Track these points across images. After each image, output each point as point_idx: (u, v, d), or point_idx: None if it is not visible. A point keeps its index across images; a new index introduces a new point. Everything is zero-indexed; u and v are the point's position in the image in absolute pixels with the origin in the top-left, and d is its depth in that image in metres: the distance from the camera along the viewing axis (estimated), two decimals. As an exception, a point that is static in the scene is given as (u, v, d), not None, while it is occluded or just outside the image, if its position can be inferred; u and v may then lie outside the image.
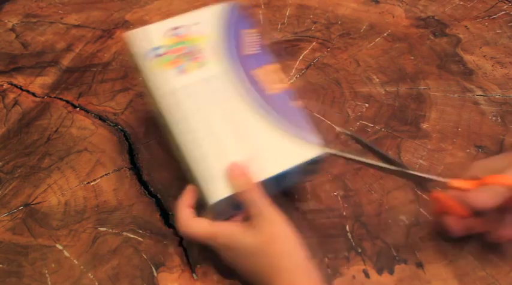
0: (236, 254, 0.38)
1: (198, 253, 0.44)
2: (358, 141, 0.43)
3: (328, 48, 0.69)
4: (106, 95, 0.63)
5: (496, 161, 0.42)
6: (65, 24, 0.77)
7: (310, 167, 0.43)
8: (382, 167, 0.41)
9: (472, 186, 0.40)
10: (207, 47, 0.45)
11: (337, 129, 0.45)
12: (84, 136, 0.57)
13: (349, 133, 0.44)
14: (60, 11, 0.80)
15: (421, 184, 0.42)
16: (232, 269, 0.40)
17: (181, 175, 0.51)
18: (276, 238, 0.37)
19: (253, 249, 0.37)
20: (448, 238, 0.45)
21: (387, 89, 0.61)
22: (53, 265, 0.44)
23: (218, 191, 0.39)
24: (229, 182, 0.39)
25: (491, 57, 0.65)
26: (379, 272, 0.43)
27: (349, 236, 0.45)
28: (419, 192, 0.48)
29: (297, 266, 0.36)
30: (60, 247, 0.46)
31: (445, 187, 0.41)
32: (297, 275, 0.36)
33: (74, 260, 0.45)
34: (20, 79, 0.66)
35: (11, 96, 0.64)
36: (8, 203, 0.50)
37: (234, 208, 0.41)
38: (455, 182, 0.41)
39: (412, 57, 0.66)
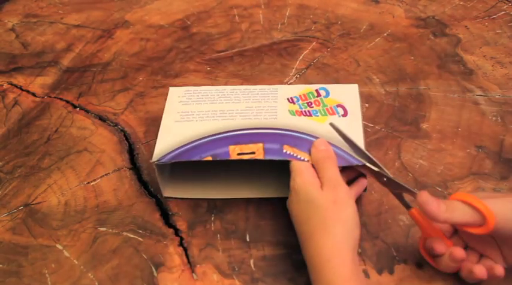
0: (304, 201, 0.41)
1: (198, 253, 0.44)
2: (341, 135, 0.45)
3: (328, 48, 0.69)
4: (106, 95, 0.63)
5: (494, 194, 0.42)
6: (65, 24, 0.77)
7: None
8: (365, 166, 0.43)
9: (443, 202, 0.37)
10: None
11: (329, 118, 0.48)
12: (84, 136, 0.57)
13: (335, 126, 0.46)
14: (60, 11, 0.80)
15: (401, 198, 0.42)
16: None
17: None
18: (340, 203, 0.39)
19: (317, 202, 0.40)
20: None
21: (387, 89, 0.61)
22: (53, 265, 0.44)
23: None
24: (313, 151, 0.44)
25: (491, 57, 0.65)
26: (379, 272, 0.43)
27: (349, 236, 0.45)
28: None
29: (340, 235, 0.38)
30: (60, 247, 0.46)
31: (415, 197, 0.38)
32: (335, 242, 0.38)
33: (74, 260, 0.45)
34: (20, 79, 0.66)
35: (11, 96, 0.64)
36: (8, 203, 0.50)
37: None
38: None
39: (412, 57, 0.66)
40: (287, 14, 0.76)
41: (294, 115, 0.48)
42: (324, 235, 0.38)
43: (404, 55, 0.67)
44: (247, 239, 0.46)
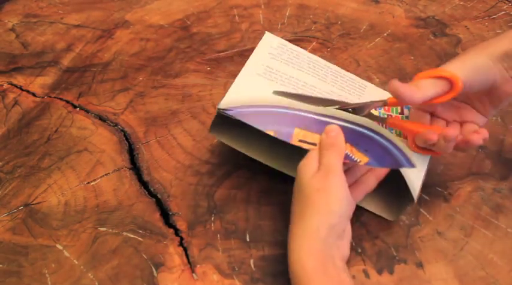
0: (297, 185, 0.41)
1: (198, 253, 0.44)
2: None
3: (328, 48, 0.69)
4: (106, 95, 0.63)
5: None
6: (65, 24, 0.77)
7: None
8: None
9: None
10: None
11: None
12: (84, 136, 0.57)
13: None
14: (60, 11, 0.80)
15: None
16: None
17: (181, 175, 0.52)
18: (324, 191, 0.38)
19: (304, 188, 0.39)
20: (448, 238, 0.45)
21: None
22: (53, 265, 0.44)
23: None
24: (323, 135, 0.42)
25: (491, 57, 0.65)
26: (379, 272, 0.43)
27: (349, 236, 0.45)
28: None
29: (315, 225, 0.37)
30: (60, 247, 0.46)
31: (386, 104, 0.44)
32: (307, 233, 0.37)
33: (74, 260, 0.45)
34: (20, 79, 0.66)
35: (11, 96, 0.64)
36: (8, 203, 0.50)
37: None
38: (392, 98, 0.43)
39: (412, 57, 0.66)
40: (287, 14, 0.76)
41: (372, 120, 0.46)
42: (298, 223, 0.38)
43: (404, 55, 0.67)
44: (247, 239, 0.46)
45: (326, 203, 0.38)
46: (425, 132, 0.42)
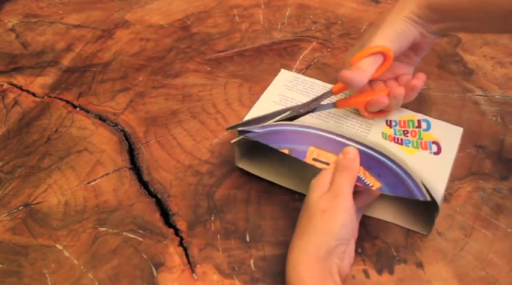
0: (306, 201, 0.41)
1: (198, 253, 0.44)
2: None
3: (328, 48, 0.69)
4: (106, 95, 0.63)
5: (361, 39, 0.50)
6: (65, 24, 0.77)
7: None
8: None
9: None
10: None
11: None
12: (84, 136, 0.57)
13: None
14: (60, 11, 0.80)
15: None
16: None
17: (181, 175, 0.52)
18: (329, 213, 0.38)
19: (310, 207, 0.39)
20: (448, 238, 0.45)
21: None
22: (53, 265, 0.44)
23: None
24: (340, 155, 0.42)
25: (491, 57, 0.65)
26: (379, 272, 0.43)
27: (349, 236, 0.45)
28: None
29: (313, 244, 0.38)
30: (60, 247, 0.46)
31: (332, 93, 0.48)
32: (305, 250, 0.38)
33: (74, 260, 0.45)
34: (20, 79, 0.66)
35: (11, 96, 0.64)
36: (8, 203, 0.50)
37: None
38: (336, 86, 0.48)
39: (412, 57, 0.66)
40: (287, 14, 0.76)
41: (386, 139, 0.48)
42: (300, 238, 0.38)
43: (404, 55, 0.67)
44: (247, 239, 0.46)
45: (328, 225, 0.38)
46: (374, 98, 0.48)
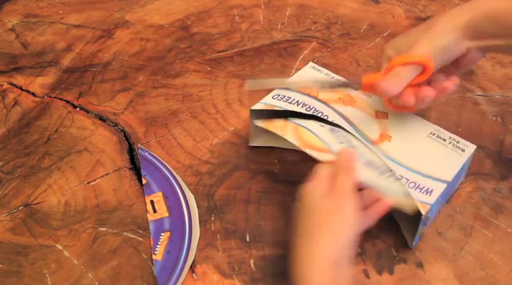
0: (306, 204, 0.41)
1: (198, 253, 0.44)
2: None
3: (328, 48, 0.69)
4: (106, 95, 0.63)
5: (408, 37, 0.46)
6: (65, 24, 0.77)
7: None
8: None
9: (383, 75, 0.43)
10: None
11: None
12: (84, 136, 0.57)
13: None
14: (60, 11, 0.80)
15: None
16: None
17: (181, 175, 0.51)
18: (336, 212, 0.38)
19: (314, 209, 0.39)
20: (448, 238, 0.45)
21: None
22: (53, 265, 0.44)
23: None
24: (337, 156, 0.43)
25: (491, 57, 0.65)
26: (379, 272, 0.43)
27: (349, 236, 0.45)
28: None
29: (326, 245, 0.37)
30: (60, 247, 0.46)
31: (361, 85, 0.45)
32: (318, 252, 0.37)
33: (74, 260, 0.45)
34: (20, 79, 0.66)
35: (11, 96, 0.64)
36: (8, 203, 0.50)
37: None
38: (366, 78, 0.45)
39: (412, 57, 0.66)
40: (287, 14, 0.76)
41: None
42: (309, 243, 0.38)
43: (404, 55, 0.66)
44: (247, 239, 0.46)
45: (340, 224, 0.38)
46: (401, 95, 0.44)
